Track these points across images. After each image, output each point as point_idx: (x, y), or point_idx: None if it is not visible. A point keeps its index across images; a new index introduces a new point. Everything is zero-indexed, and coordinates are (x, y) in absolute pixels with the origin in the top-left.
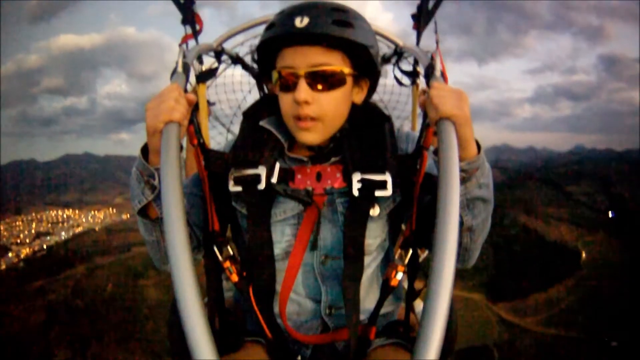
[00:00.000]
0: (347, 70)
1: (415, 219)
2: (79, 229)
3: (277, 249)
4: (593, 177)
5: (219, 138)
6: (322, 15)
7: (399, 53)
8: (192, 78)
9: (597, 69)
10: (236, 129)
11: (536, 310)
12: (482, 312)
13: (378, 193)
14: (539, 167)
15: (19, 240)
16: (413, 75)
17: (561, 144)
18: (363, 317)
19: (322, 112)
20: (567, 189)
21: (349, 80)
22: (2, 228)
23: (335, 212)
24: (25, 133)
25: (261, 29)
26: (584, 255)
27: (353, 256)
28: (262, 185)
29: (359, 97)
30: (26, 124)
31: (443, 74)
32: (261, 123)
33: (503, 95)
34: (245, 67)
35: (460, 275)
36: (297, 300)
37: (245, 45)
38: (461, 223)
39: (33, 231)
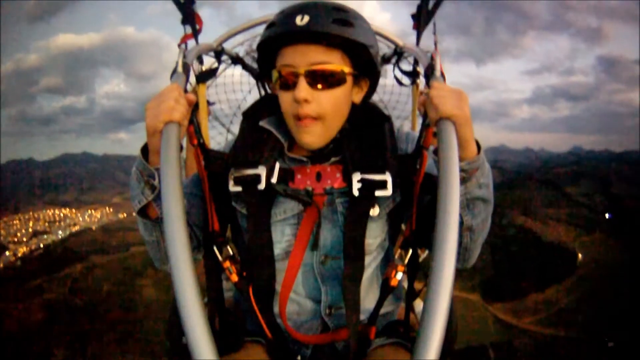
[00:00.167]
0: (347, 69)
1: (415, 218)
2: (76, 228)
3: (277, 249)
4: (591, 177)
5: (219, 138)
6: (323, 14)
7: (398, 53)
8: (192, 78)
9: (596, 70)
10: (236, 129)
11: (533, 310)
12: (479, 312)
13: (378, 193)
14: (537, 168)
15: (16, 239)
16: (413, 75)
17: (559, 144)
18: (363, 317)
19: (322, 110)
20: (565, 189)
21: (349, 79)
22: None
23: (335, 212)
24: (24, 132)
25: (261, 29)
26: (581, 256)
27: (353, 256)
28: (262, 185)
29: (358, 96)
30: (25, 123)
31: (442, 74)
32: (261, 123)
33: (501, 96)
34: (245, 67)
35: (458, 275)
36: (297, 300)
37: (245, 45)
38: (461, 223)
39: (30, 230)
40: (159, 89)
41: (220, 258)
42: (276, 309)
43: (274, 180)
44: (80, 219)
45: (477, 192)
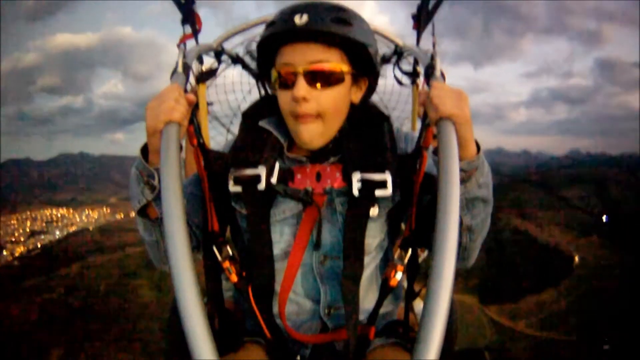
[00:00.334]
0: (345, 68)
1: (415, 218)
2: (73, 228)
3: (277, 249)
4: (588, 180)
5: (219, 138)
6: (322, 13)
7: (399, 53)
8: (192, 78)
9: (594, 73)
10: (236, 129)
11: (529, 313)
12: (475, 314)
13: (378, 192)
14: (534, 171)
15: (13, 239)
16: (413, 75)
17: (557, 147)
18: (362, 317)
19: (321, 109)
20: (561, 192)
21: (348, 78)
22: None
23: (335, 212)
24: (21, 131)
25: (261, 29)
26: (577, 258)
27: (352, 256)
28: (262, 185)
29: (357, 96)
30: (22, 123)
31: (442, 74)
32: (260, 123)
33: (499, 98)
34: (245, 67)
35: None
36: (296, 300)
37: (245, 45)
38: (460, 223)
39: (27, 230)
40: (156, 90)
41: (219, 258)
42: (275, 309)
43: (273, 180)
44: (78, 219)
45: (477, 192)
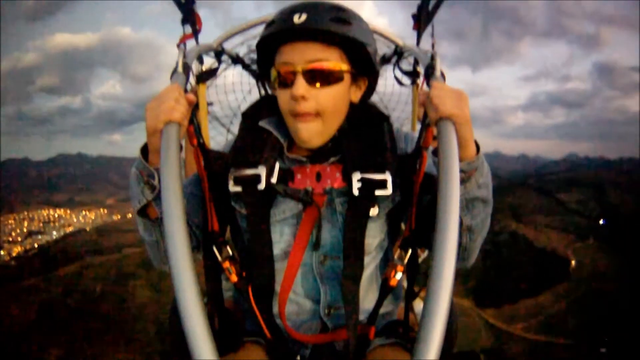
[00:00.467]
0: (344, 67)
1: (415, 218)
2: (70, 229)
3: (276, 249)
4: (585, 184)
5: (219, 138)
6: (321, 12)
7: (399, 53)
8: (192, 78)
9: (592, 77)
10: (236, 129)
11: (525, 316)
12: (470, 317)
13: (378, 192)
14: (531, 175)
15: (11, 239)
16: (413, 75)
17: (554, 151)
18: (362, 317)
19: (320, 107)
20: (558, 196)
21: (347, 77)
22: None
23: (334, 212)
24: (20, 131)
25: (261, 29)
26: (573, 262)
27: (352, 256)
28: (262, 185)
29: (356, 95)
30: (21, 123)
31: (442, 74)
32: (260, 123)
33: (496, 102)
34: (245, 67)
35: None
36: (296, 300)
37: (245, 45)
38: (460, 223)
39: (25, 230)
40: (154, 91)
41: (219, 258)
42: (275, 309)
43: (273, 180)
44: (75, 219)
45: (476, 192)
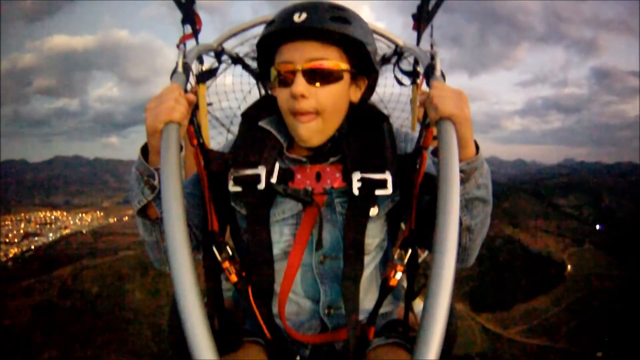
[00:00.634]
0: (344, 66)
1: (415, 218)
2: (66, 231)
3: (276, 249)
4: (582, 189)
5: (219, 138)
6: (320, 11)
7: (399, 53)
8: (192, 78)
9: (589, 82)
10: (236, 129)
11: (520, 320)
12: (466, 322)
13: (378, 192)
14: (527, 179)
15: (7, 240)
16: (413, 75)
17: (551, 156)
18: (362, 317)
19: (319, 106)
20: (555, 201)
21: (346, 76)
22: None
23: (334, 212)
24: (17, 133)
25: (261, 29)
26: (569, 267)
27: (352, 256)
28: (261, 185)
29: (356, 95)
30: (18, 124)
31: (442, 74)
32: (260, 123)
33: (493, 107)
34: (246, 67)
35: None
36: (296, 301)
37: (245, 45)
38: (460, 223)
39: (21, 231)
40: (151, 94)
41: (219, 258)
42: (275, 309)
43: (273, 180)
44: (71, 222)
45: (476, 192)
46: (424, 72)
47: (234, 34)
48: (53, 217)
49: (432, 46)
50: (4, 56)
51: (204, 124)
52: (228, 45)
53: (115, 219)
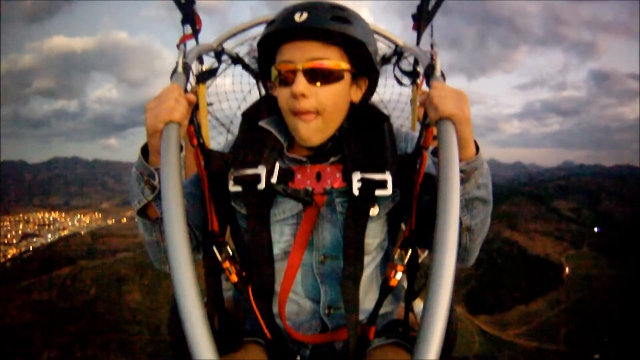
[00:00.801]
0: (345, 66)
1: (415, 218)
2: (64, 232)
3: (276, 249)
4: (580, 192)
5: (219, 138)
6: (321, 11)
7: (399, 53)
8: (192, 78)
9: (588, 85)
10: (236, 129)
11: (518, 323)
12: (463, 324)
13: (378, 192)
14: (526, 182)
15: (6, 241)
16: (413, 75)
17: (549, 159)
18: (362, 317)
19: (320, 106)
20: (553, 204)
21: (347, 76)
22: None
23: (334, 212)
24: (16, 134)
25: (261, 29)
26: (567, 269)
27: (352, 256)
28: (262, 185)
29: (357, 95)
30: (17, 125)
31: (442, 74)
32: (260, 123)
33: (491, 110)
34: (245, 67)
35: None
36: (296, 301)
37: (245, 45)
38: (460, 223)
39: (20, 232)
40: (150, 95)
41: (219, 258)
42: (275, 309)
43: (273, 180)
44: (70, 223)
45: (476, 192)
46: (424, 72)
47: (234, 34)
48: (52, 218)
49: (432, 46)
50: (3, 57)
51: (204, 124)
52: (228, 46)
53: (114, 221)
